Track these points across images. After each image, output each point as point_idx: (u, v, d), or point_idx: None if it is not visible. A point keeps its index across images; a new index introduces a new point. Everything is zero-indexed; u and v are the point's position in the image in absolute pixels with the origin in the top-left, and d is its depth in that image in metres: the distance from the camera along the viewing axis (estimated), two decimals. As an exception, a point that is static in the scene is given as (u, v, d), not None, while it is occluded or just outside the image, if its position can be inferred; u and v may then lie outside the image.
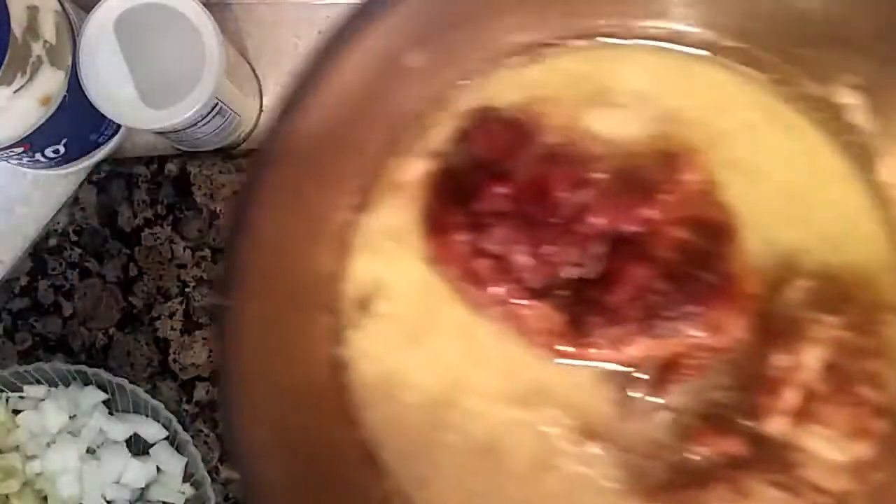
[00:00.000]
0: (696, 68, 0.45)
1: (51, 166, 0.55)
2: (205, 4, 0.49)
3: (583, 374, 0.43)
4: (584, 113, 0.44)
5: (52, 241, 0.57)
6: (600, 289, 0.41)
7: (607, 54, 0.45)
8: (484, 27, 0.43)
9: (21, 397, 0.53)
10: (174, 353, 0.57)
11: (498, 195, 0.42)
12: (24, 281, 0.57)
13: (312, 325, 0.44)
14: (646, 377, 0.42)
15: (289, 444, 0.39)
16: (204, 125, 0.52)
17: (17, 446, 0.51)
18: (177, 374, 0.57)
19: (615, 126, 0.44)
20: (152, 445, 0.53)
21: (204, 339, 0.57)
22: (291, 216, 0.39)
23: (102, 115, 0.49)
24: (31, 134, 0.49)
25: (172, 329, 0.57)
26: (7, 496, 0.50)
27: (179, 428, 0.53)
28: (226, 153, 0.58)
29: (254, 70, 0.59)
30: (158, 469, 0.53)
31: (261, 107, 0.59)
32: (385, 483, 0.43)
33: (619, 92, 0.45)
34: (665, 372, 0.42)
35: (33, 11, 0.47)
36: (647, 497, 0.41)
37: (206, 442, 0.56)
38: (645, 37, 0.45)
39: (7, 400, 0.52)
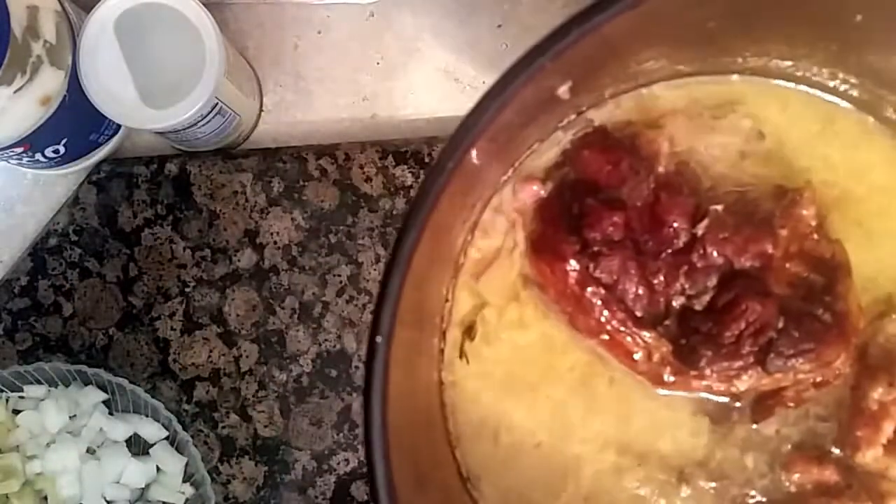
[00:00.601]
0: (831, 115, 0.45)
1: (51, 166, 0.55)
2: (205, 4, 0.49)
3: (680, 402, 0.43)
4: (703, 143, 0.44)
5: (52, 241, 0.57)
6: (710, 321, 0.41)
7: (737, 88, 0.45)
8: (624, 60, 0.43)
9: (21, 397, 0.53)
10: (174, 353, 0.57)
11: (612, 223, 0.41)
12: (24, 281, 0.57)
13: (430, 349, 0.44)
14: (745, 407, 0.43)
15: (413, 463, 0.39)
16: (204, 125, 0.52)
17: (17, 446, 0.51)
18: (177, 374, 0.57)
19: (733, 159, 0.44)
20: (152, 445, 0.53)
21: (204, 339, 0.57)
22: (438, 235, 0.39)
23: (102, 115, 0.49)
24: (31, 134, 0.49)
25: (172, 329, 0.57)
26: (7, 496, 0.50)
27: (179, 428, 0.53)
28: (226, 153, 0.58)
29: (254, 70, 0.59)
30: (158, 469, 0.53)
31: (261, 107, 0.59)
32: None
33: (739, 126, 0.45)
34: (764, 403, 0.43)
35: (33, 11, 0.47)
36: None
37: (206, 442, 0.56)
38: (780, 77, 0.45)
39: (7, 400, 0.52)
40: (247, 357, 0.57)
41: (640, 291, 0.41)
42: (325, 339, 0.57)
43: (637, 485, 0.43)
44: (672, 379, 0.42)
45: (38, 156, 0.53)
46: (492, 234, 0.45)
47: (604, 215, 0.41)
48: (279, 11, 0.59)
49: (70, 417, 0.52)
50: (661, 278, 0.42)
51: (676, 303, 0.42)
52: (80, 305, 0.57)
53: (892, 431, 0.41)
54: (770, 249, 0.41)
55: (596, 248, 0.41)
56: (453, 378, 0.45)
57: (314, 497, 0.56)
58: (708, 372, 0.41)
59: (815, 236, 0.42)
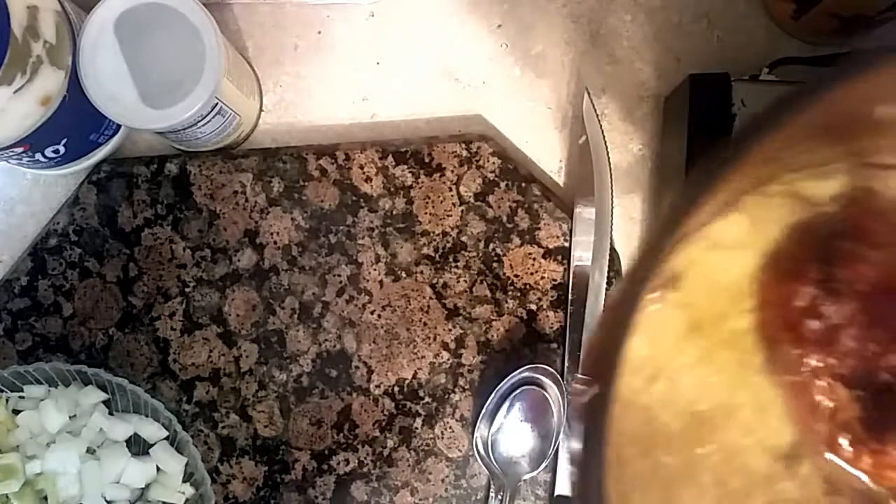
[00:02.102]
0: None
1: (51, 166, 0.55)
2: (205, 4, 0.49)
3: (831, 481, 0.41)
4: None
5: (52, 241, 0.57)
6: None
7: None
8: None
9: (21, 397, 0.53)
10: (174, 353, 0.57)
11: (861, 272, 0.40)
12: (24, 281, 0.57)
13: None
14: None
15: None
16: (204, 125, 0.52)
17: (17, 446, 0.51)
18: (177, 374, 0.57)
19: None
20: (152, 445, 0.53)
21: (204, 339, 0.57)
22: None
23: (102, 115, 0.49)
24: (31, 134, 0.49)
25: (172, 329, 0.57)
26: (7, 496, 0.50)
27: (179, 428, 0.53)
28: (226, 153, 0.58)
29: (254, 70, 0.59)
30: (158, 469, 0.53)
31: (261, 107, 0.59)
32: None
33: None
34: None
35: (33, 11, 0.47)
36: None
37: (206, 442, 0.56)
38: None
39: (7, 400, 0.52)
40: (247, 357, 0.57)
41: (855, 348, 0.40)
42: (325, 339, 0.57)
43: None
44: (847, 448, 0.40)
45: (38, 156, 0.53)
46: (732, 228, 0.42)
47: (858, 260, 0.40)
48: (279, 11, 0.59)
49: (70, 417, 0.52)
50: (879, 347, 0.40)
51: (884, 377, 0.40)
52: (80, 305, 0.57)
53: None
54: None
55: (836, 287, 0.40)
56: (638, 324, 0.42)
57: (314, 497, 0.56)
58: (892, 450, 0.39)
59: None
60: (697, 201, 0.32)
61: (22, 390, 0.53)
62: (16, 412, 0.52)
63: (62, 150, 0.54)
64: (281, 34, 0.59)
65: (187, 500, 0.53)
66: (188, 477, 0.53)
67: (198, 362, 0.57)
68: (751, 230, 0.43)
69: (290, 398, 0.57)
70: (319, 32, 0.59)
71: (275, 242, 0.57)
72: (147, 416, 0.54)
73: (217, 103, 0.51)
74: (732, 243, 0.43)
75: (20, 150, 0.51)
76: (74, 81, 0.49)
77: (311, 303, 0.57)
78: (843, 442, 0.41)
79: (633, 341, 0.41)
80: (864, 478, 0.41)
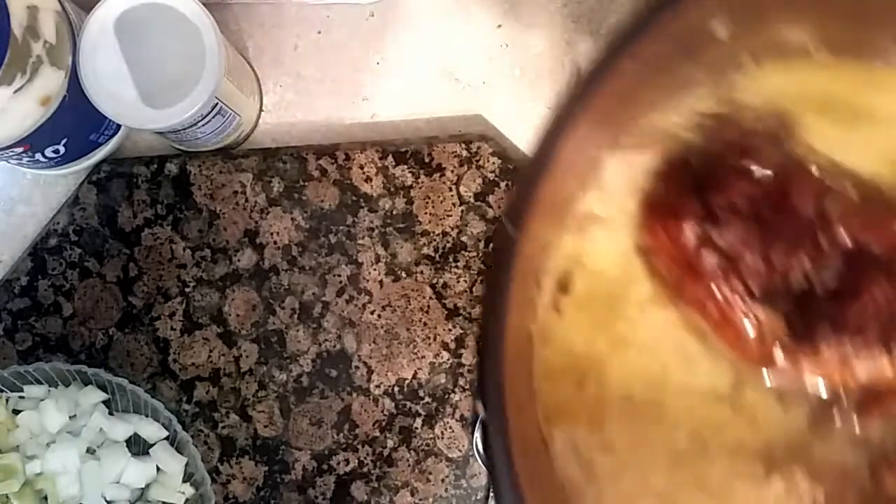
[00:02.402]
0: None
1: (51, 166, 0.55)
2: (205, 4, 0.49)
3: (781, 392, 0.41)
4: (841, 127, 0.42)
5: (52, 241, 0.57)
6: (833, 305, 0.39)
7: (877, 78, 0.43)
8: (774, 14, 0.40)
9: (21, 397, 0.53)
10: (174, 353, 0.57)
11: (740, 191, 0.39)
12: (24, 281, 0.57)
13: (527, 295, 0.42)
14: (851, 403, 0.41)
15: (517, 399, 0.37)
16: (204, 125, 0.52)
17: (17, 446, 0.51)
18: (177, 374, 0.57)
19: (870, 144, 0.42)
20: (152, 445, 0.53)
21: (204, 339, 0.57)
22: (560, 184, 0.37)
23: (102, 115, 0.49)
24: (31, 134, 0.49)
25: (172, 329, 0.57)
26: (7, 496, 0.50)
27: (179, 428, 0.53)
28: (226, 153, 0.58)
29: (254, 70, 0.59)
30: (158, 469, 0.53)
31: (261, 107, 0.59)
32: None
33: (877, 114, 0.42)
34: (873, 402, 0.41)
35: (33, 11, 0.47)
36: None
37: (206, 442, 0.56)
38: None
39: (7, 400, 0.52)
40: (247, 357, 0.57)
41: (760, 266, 0.39)
42: (325, 339, 0.57)
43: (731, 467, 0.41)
44: (783, 361, 0.40)
45: (38, 156, 0.53)
46: (606, 188, 0.42)
47: (733, 181, 0.39)
48: (279, 11, 0.59)
49: (70, 417, 0.52)
50: (784, 257, 0.39)
51: (797, 284, 0.40)
52: (80, 305, 0.57)
53: None
54: None
55: (720, 214, 0.39)
56: (544, 328, 0.42)
57: (314, 497, 0.56)
58: (825, 350, 0.39)
59: None
60: (552, 151, 0.33)
61: (22, 390, 0.53)
62: (16, 412, 0.52)
63: (62, 150, 0.54)
64: (281, 34, 0.59)
65: (187, 500, 0.53)
66: (188, 477, 0.53)
67: (198, 362, 0.57)
68: (615, 199, 0.42)
69: (290, 398, 0.57)
70: (319, 32, 0.59)
71: (275, 242, 0.57)
72: (147, 416, 0.54)
73: (217, 103, 0.51)
74: (603, 219, 0.42)
75: (20, 150, 0.51)
76: (74, 81, 0.49)
77: (311, 303, 0.57)
78: (779, 357, 0.40)
79: (546, 353, 0.42)
80: (813, 383, 0.41)
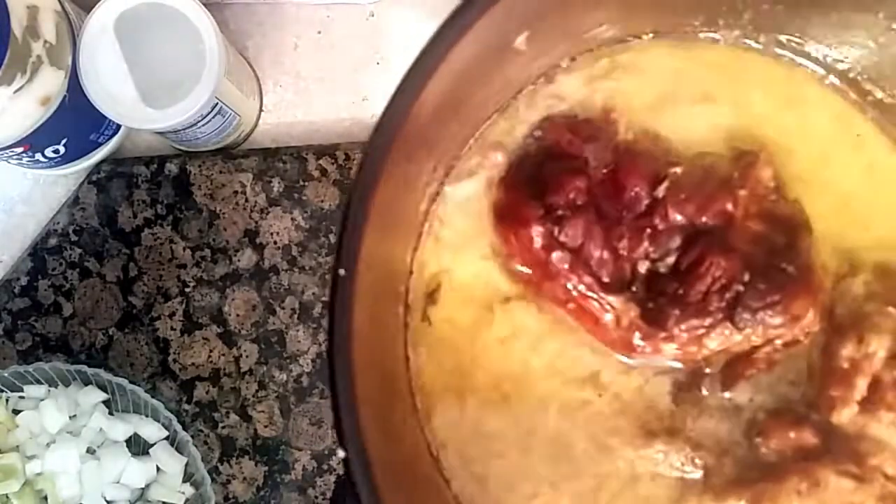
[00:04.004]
0: (785, 77, 0.46)
1: (51, 166, 0.55)
2: (205, 4, 0.49)
3: (650, 372, 0.43)
4: (660, 110, 0.44)
5: (52, 241, 0.57)
6: (676, 281, 0.41)
7: (692, 54, 0.46)
8: (576, 18, 0.43)
9: (21, 397, 0.53)
10: (174, 353, 0.57)
11: (574, 188, 0.42)
12: (24, 281, 0.57)
13: (395, 316, 0.44)
14: (715, 374, 0.43)
15: (386, 430, 0.39)
16: (204, 125, 0.52)
17: (17, 446, 0.51)
18: (177, 374, 0.57)
19: (689, 124, 0.44)
20: (152, 445, 0.53)
21: (204, 339, 0.57)
22: (394, 200, 0.39)
23: (102, 115, 0.49)
24: (31, 134, 0.49)
25: (172, 329, 0.57)
26: (7, 496, 0.50)
27: (179, 428, 0.53)
28: (226, 153, 0.58)
29: (254, 70, 0.59)
30: (158, 469, 0.53)
31: (261, 107, 0.59)
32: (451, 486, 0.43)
33: (694, 93, 0.45)
34: (735, 368, 0.42)
35: (33, 11, 0.47)
36: (718, 494, 0.42)
37: (206, 442, 0.56)
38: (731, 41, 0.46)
39: (7, 400, 0.52)
40: (247, 357, 0.57)
41: (605, 256, 0.42)
42: (325, 339, 0.57)
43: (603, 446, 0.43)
44: (642, 344, 0.42)
45: (38, 156, 0.53)
46: (456, 203, 0.45)
47: (566, 180, 0.42)
48: (279, 11, 0.59)
49: (70, 417, 0.52)
50: (625, 243, 0.42)
51: (642, 267, 0.42)
52: (80, 305, 0.57)
53: (867, 389, 0.41)
54: (730, 208, 0.42)
55: (560, 213, 0.41)
56: (418, 346, 0.44)
57: (314, 497, 0.56)
58: (677, 332, 0.41)
59: (774, 197, 0.43)
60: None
61: (22, 390, 0.53)
62: (16, 412, 0.52)
63: (62, 150, 0.54)
64: (280, 34, 0.59)
65: (187, 500, 0.53)
66: (188, 477, 0.53)
67: (198, 362, 0.57)
68: (478, 199, 0.44)
69: (290, 398, 0.57)
70: (319, 32, 0.59)
71: (275, 242, 0.57)
72: (147, 416, 0.54)
73: (217, 103, 0.51)
74: (463, 228, 0.44)
75: (20, 150, 0.51)
76: (74, 81, 0.49)
77: (311, 303, 0.57)
78: (638, 342, 0.42)
79: (426, 372, 0.44)
80: (676, 364, 0.43)
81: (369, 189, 0.34)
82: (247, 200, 0.57)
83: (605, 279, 0.42)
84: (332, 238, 0.57)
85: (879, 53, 0.44)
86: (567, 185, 0.42)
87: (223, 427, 0.57)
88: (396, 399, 0.43)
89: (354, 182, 0.34)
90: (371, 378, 0.36)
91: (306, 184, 0.57)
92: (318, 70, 0.59)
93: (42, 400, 0.52)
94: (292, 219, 0.57)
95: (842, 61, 0.45)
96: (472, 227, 0.44)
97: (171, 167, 0.57)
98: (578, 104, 0.45)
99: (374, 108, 0.59)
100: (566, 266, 0.42)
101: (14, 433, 0.52)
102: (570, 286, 0.42)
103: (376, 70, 0.59)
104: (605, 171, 0.43)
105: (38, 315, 0.57)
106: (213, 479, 0.55)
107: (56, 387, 0.53)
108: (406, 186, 0.41)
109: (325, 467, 0.57)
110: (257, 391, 0.57)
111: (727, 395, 0.43)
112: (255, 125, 0.59)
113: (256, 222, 0.57)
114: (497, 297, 0.44)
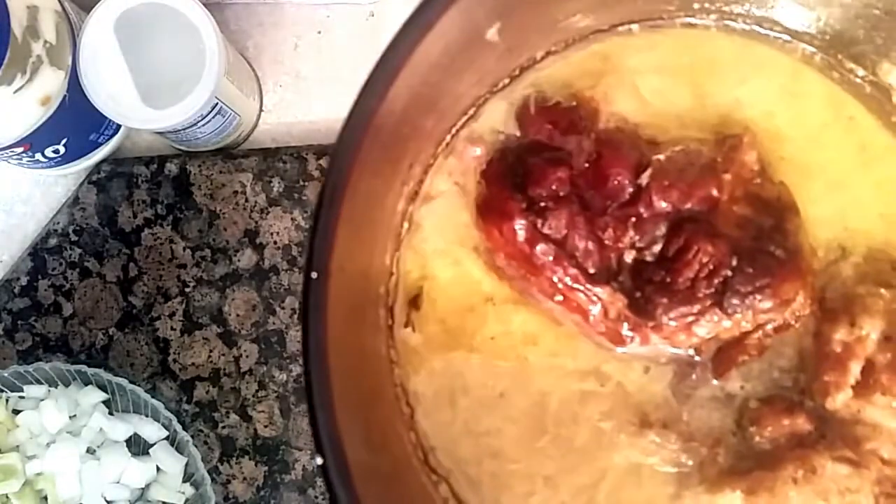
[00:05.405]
0: (765, 60, 0.45)
1: (51, 166, 0.55)
2: (205, 4, 0.49)
3: (641, 362, 0.43)
4: (641, 97, 0.44)
5: (52, 241, 0.57)
6: (663, 269, 0.41)
7: (669, 41, 0.45)
8: (547, 8, 0.43)
9: (21, 397, 0.53)
10: (174, 353, 0.57)
11: (556, 179, 0.41)
12: (24, 281, 0.57)
13: (376, 318, 0.43)
14: (706, 362, 0.42)
15: (367, 436, 0.39)
16: (204, 125, 0.52)
17: (17, 446, 0.51)
18: (177, 374, 0.57)
19: (671, 110, 0.44)
20: (152, 445, 0.53)
21: (204, 339, 0.57)
22: (369, 200, 0.38)
23: (102, 115, 0.49)
24: (31, 134, 0.49)
25: (172, 329, 0.57)
26: (7, 496, 0.50)
27: (179, 428, 0.53)
28: (226, 153, 0.58)
29: (254, 70, 0.59)
30: (158, 469, 0.53)
31: (261, 107, 0.59)
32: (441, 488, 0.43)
33: (675, 79, 0.44)
34: (725, 355, 0.42)
35: (33, 11, 0.47)
36: (714, 485, 0.41)
37: (206, 442, 0.56)
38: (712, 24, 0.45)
39: (7, 400, 0.52)
40: (247, 357, 0.57)
41: (590, 247, 0.41)
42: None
43: (600, 417, 0.43)
44: (631, 334, 0.42)
45: (38, 156, 0.53)
46: (436, 200, 0.44)
47: (548, 172, 0.41)
48: (279, 11, 0.59)
49: (70, 417, 0.52)
50: (610, 232, 0.41)
51: (628, 257, 0.42)
52: (80, 305, 0.57)
53: (860, 372, 0.40)
54: (715, 193, 0.41)
55: (542, 205, 0.41)
56: (403, 352, 0.44)
57: (314, 497, 0.56)
58: (665, 320, 0.41)
59: (759, 180, 0.42)
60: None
61: (22, 390, 0.53)
62: (16, 412, 0.52)
63: (62, 150, 0.54)
64: (281, 34, 0.59)
65: (187, 500, 0.53)
66: (188, 477, 0.53)
67: (198, 362, 0.57)
68: (459, 194, 0.44)
69: (290, 398, 0.57)
70: (319, 32, 0.59)
71: (275, 242, 0.57)
72: (147, 416, 0.54)
73: (217, 103, 0.51)
74: (445, 227, 0.44)
75: (20, 150, 0.51)
76: (74, 81, 0.49)
77: (311, 303, 0.57)
78: (627, 333, 0.42)
79: (411, 368, 0.43)
80: (669, 349, 0.42)
81: (339, 190, 0.34)
82: (247, 200, 0.57)
83: (591, 270, 0.41)
84: (332, 238, 0.57)
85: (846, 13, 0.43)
86: (549, 177, 0.41)
87: (223, 427, 0.57)
88: (380, 404, 0.42)
89: (324, 184, 0.34)
90: (350, 382, 0.36)
91: (306, 184, 0.57)
92: (318, 70, 0.59)
93: (42, 400, 0.52)
94: (292, 219, 0.57)
95: (818, 28, 0.44)
96: (452, 225, 0.44)
97: (171, 167, 0.57)
98: (558, 95, 0.44)
99: (374, 108, 0.59)
100: (551, 258, 0.41)
101: (14, 433, 0.52)
102: (555, 279, 0.41)
103: (376, 70, 0.59)
104: (587, 160, 0.42)
105: (38, 315, 0.57)
106: (213, 479, 0.55)
107: (56, 387, 0.53)
108: (381, 186, 0.40)
109: (325, 467, 0.57)
110: (257, 391, 0.57)
111: (719, 383, 0.42)
112: (255, 125, 0.59)
113: (256, 222, 0.57)
114: (483, 295, 0.43)
